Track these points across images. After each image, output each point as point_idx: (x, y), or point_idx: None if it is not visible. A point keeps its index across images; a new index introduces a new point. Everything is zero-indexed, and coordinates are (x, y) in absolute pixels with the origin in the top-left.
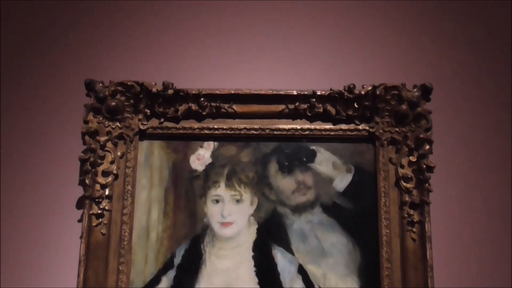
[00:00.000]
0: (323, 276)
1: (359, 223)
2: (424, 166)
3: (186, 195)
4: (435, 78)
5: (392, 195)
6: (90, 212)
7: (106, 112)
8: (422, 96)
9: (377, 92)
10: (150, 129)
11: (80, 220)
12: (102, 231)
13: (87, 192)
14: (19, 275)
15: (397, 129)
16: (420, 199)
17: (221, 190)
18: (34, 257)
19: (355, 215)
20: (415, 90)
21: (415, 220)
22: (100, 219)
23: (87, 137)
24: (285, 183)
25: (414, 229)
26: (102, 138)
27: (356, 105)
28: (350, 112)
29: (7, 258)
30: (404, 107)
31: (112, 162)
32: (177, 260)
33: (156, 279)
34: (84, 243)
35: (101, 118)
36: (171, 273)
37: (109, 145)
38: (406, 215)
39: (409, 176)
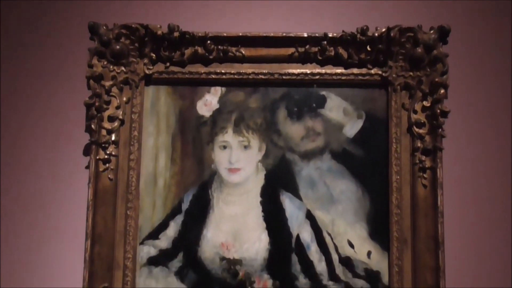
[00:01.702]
0: (332, 222)
1: (369, 170)
2: (438, 111)
3: (194, 141)
4: (452, 20)
5: (404, 141)
6: (97, 158)
7: (111, 56)
8: (439, 39)
9: (392, 34)
10: (155, 74)
11: (87, 167)
12: (109, 176)
13: (93, 137)
14: (26, 221)
15: (411, 73)
16: (433, 145)
17: (228, 136)
18: (41, 203)
19: (365, 162)
20: (431, 32)
21: (426, 166)
22: (107, 165)
23: (91, 82)
24: (294, 130)
25: (425, 175)
26: (107, 83)
27: (369, 48)
28: (362, 56)
29: (13, 204)
30: (419, 50)
31: (118, 108)
32: (185, 206)
33: (164, 224)
34: (92, 188)
35: (105, 63)
36: (179, 218)
37: (115, 90)
38: (417, 161)
39: (422, 121)
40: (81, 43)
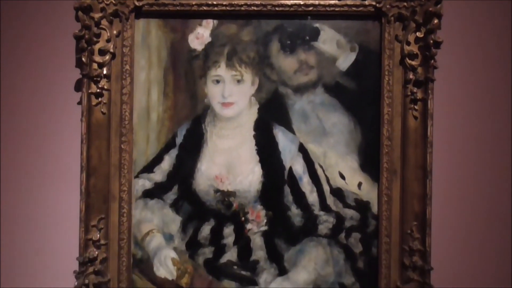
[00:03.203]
0: (323, 154)
1: (361, 102)
2: (431, 41)
3: (186, 75)
4: None
5: (396, 73)
6: (89, 91)
7: None
8: None
9: None
10: (146, 6)
11: (79, 103)
12: (102, 110)
13: (84, 70)
14: (22, 156)
15: (405, 3)
16: (425, 76)
17: (221, 70)
18: (34, 142)
19: (357, 94)
20: None
21: (418, 98)
22: (100, 99)
23: (80, 13)
24: (287, 63)
25: (416, 107)
26: (97, 15)
27: None
28: None
29: (10, 142)
30: None
31: (108, 41)
32: (179, 140)
33: (159, 158)
34: (85, 122)
35: None
36: (173, 152)
37: (104, 22)
38: (409, 93)
39: (415, 53)
40: None
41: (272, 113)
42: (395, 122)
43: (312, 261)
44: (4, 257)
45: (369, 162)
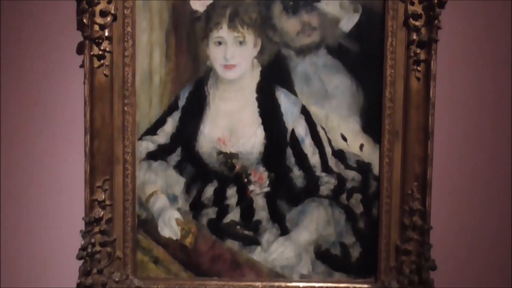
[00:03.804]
0: (326, 117)
1: (364, 64)
2: (436, 1)
3: (188, 38)
4: None
5: (400, 35)
6: (91, 53)
7: None
8: None
9: None
10: None
11: (81, 66)
12: (104, 72)
13: (86, 32)
14: (25, 123)
15: None
16: (428, 37)
17: (223, 32)
18: (37, 106)
19: (360, 56)
20: None
21: (421, 59)
22: (102, 61)
23: None
24: (289, 24)
25: (419, 68)
26: None
27: None
28: None
29: (13, 109)
30: None
31: (109, 2)
32: (181, 102)
33: (162, 121)
34: (88, 84)
35: None
36: (176, 115)
37: None
38: (412, 54)
39: (419, 13)
40: None
41: (274, 75)
42: (398, 84)
43: (313, 222)
44: (9, 216)
45: (371, 124)
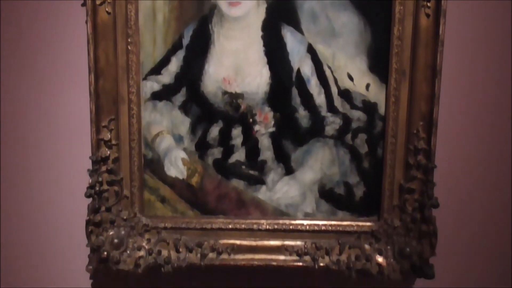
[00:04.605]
0: (332, 55)
1: (372, 1)
2: None
3: None
4: None
5: None
6: None
7: None
8: None
9: None
10: None
11: (83, 4)
12: (107, 10)
13: None
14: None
15: None
16: None
17: None
18: (39, 48)
19: None
20: None
21: None
22: None
23: None
24: None
25: (429, 4)
26: None
27: None
28: None
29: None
30: None
31: None
32: (185, 41)
33: (166, 60)
34: (90, 22)
35: None
36: (181, 54)
37: None
38: None
39: None
40: None
41: (280, 13)
42: (407, 21)
43: (318, 161)
44: (14, 159)
45: (378, 63)
